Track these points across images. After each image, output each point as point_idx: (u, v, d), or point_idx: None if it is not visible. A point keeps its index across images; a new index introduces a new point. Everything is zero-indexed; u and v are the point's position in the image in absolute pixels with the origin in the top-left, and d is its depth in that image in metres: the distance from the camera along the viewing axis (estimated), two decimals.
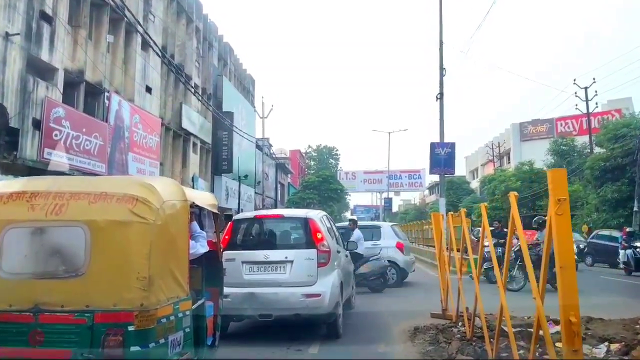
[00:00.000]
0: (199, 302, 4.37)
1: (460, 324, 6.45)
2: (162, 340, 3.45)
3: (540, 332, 3.44)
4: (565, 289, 2.80)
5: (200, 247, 4.57)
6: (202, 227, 4.88)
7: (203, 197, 4.92)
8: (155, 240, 3.46)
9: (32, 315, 3.26)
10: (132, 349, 3.22)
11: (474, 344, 5.39)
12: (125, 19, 17.44)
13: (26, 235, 3.48)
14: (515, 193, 3.66)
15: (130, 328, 3.23)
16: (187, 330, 3.89)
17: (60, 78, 14.74)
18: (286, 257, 6.53)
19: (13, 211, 3.49)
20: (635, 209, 21.22)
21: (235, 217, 7.99)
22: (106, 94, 17.08)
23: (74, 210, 3.45)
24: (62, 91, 14.79)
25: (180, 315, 3.75)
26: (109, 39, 16.70)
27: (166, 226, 3.61)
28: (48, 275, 3.37)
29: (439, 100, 19.31)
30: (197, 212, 4.73)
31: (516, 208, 3.56)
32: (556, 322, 6.24)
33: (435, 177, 47.29)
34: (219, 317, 5.16)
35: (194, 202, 4.25)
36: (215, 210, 5.02)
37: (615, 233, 20.03)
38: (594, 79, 32.93)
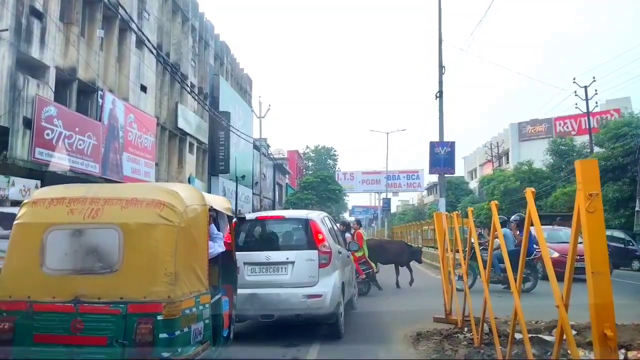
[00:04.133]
0: (216, 297, 4.73)
1: (466, 329, 6.14)
2: (186, 329, 3.84)
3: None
4: (599, 298, 2.48)
5: (218, 247, 4.94)
6: (218, 229, 5.20)
7: (219, 202, 5.32)
8: (180, 240, 3.88)
9: (73, 306, 3.69)
10: (161, 336, 3.61)
11: (482, 351, 5.08)
12: (119, 16, 17.14)
13: (66, 236, 3.90)
14: (532, 189, 3.38)
15: (159, 317, 3.62)
16: (207, 321, 4.28)
17: (51, 76, 14.42)
18: (287, 258, 6.52)
19: (54, 215, 3.96)
20: (637, 208, 20.96)
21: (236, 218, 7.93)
22: (100, 92, 16.76)
23: (109, 214, 3.89)
24: (53, 89, 14.47)
25: (201, 307, 4.15)
26: (99, 33, 16.37)
27: (189, 228, 4.04)
28: (86, 271, 3.81)
29: (438, 99, 19.03)
30: (214, 215, 5.09)
31: (533, 204, 3.27)
32: None
33: (434, 178, 47.09)
34: (233, 312, 5.46)
35: (212, 206, 4.65)
36: (230, 214, 5.39)
37: (617, 233, 19.77)
38: (593, 77, 32.84)
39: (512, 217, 11.09)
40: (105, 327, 3.64)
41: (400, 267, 12.98)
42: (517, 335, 5.64)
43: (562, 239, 13.64)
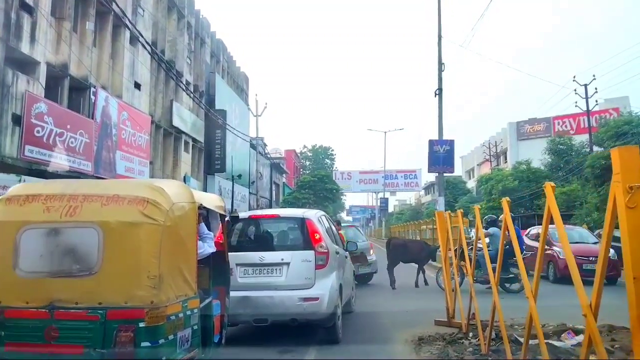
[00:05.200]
0: (207, 301, 4.49)
1: (471, 334, 5.83)
2: (171, 337, 3.58)
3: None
4: None
5: (208, 248, 4.69)
6: (209, 228, 4.96)
7: (210, 199, 5.03)
8: (165, 240, 3.61)
9: (47, 312, 3.42)
10: (143, 344, 3.35)
11: (490, 359, 4.77)
12: (113, 12, 16.78)
13: (42, 236, 3.62)
14: (552, 184, 3.07)
15: (141, 324, 3.37)
16: (195, 327, 4.02)
17: (42, 72, 14.03)
18: (282, 259, 6.22)
19: (29, 213, 3.67)
20: None
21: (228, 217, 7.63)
22: (92, 89, 16.39)
23: (88, 211, 3.61)
24: (44, 86, 14.09)
25: (188, 312, 3.89)
26: (89, 26, 15.98)
27: (175, 227, 3.75)
28: (63, 273, 3.52)
29: (437, 96, 18.73)
30: (204, 214, 4.83)
31: (554, 199, 2.96)
32: (576, 332, 5.68)
33: (431, 177, 46.76)
34: (225, 316, 5.25)
35: (201, 204, 4.35)
36: (222, 212, 5.10)
37: (618, 232, 19.50)
38: (593, 75, 32.53)
39: (501, 216, 10.93)
40: (82, 335, 3.37)
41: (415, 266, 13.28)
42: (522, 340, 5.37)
43: (574, 238, 13.27)
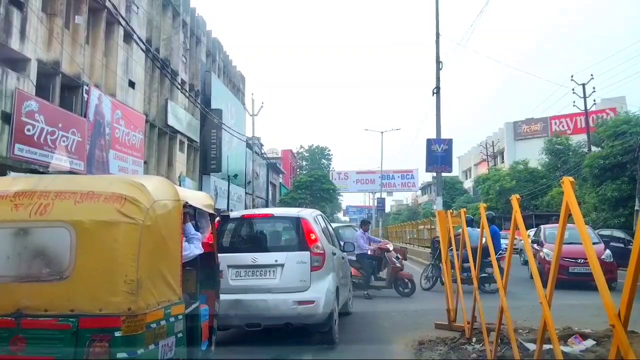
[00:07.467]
0: (193, 306, 4.24)
1: (474, 339, 5.59)
2: (151, 346, 3.33)
3: None
4: None
5: (195, 249, 4.44)
6: (198, 229, 4.74)
7: (198, 197, 4.75)
8: (145, 241, 3.34)
9: (14, 321, 3.14)
10: (119, 355, 3.09)
11: None
12: (106, 9, 16.49)
13: (9, 236, 3.35)
14: (571, 178, 2.83)
15: (117, 334, 3.12)
16: (180, 335, 3.77)
17: (33, 69, 13.74)
18: (276, 261, 5.97)
19: None
20: (636, 207, 20.59)
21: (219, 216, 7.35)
22: (85, 87, 16.10)
23: (59, 210, 3.33)
24: (35, 83, 13.80)
25: (172, 319, 3.63)
26: (77, 20, 15.66)
27: (157, 227, 3.49)
28: (31, 278, 3.26)
29: (435, 94, 18.55)
30: (191, 213, 4.61)
31: (573, 195, 2.72)
32: (583, 337, 5.45)
33: (428, 178, 46.67)
34: (215, 321, 4.99)
35: (187, 202, 4.10)
36: (212, 211, 4.84)
37: (617, 233, 19.40)
38: (591, 75, 32.32)
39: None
40: (52, 345, 3.08)
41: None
42: (529, 345, 5.14)
43: (573, 238, 13.17)
